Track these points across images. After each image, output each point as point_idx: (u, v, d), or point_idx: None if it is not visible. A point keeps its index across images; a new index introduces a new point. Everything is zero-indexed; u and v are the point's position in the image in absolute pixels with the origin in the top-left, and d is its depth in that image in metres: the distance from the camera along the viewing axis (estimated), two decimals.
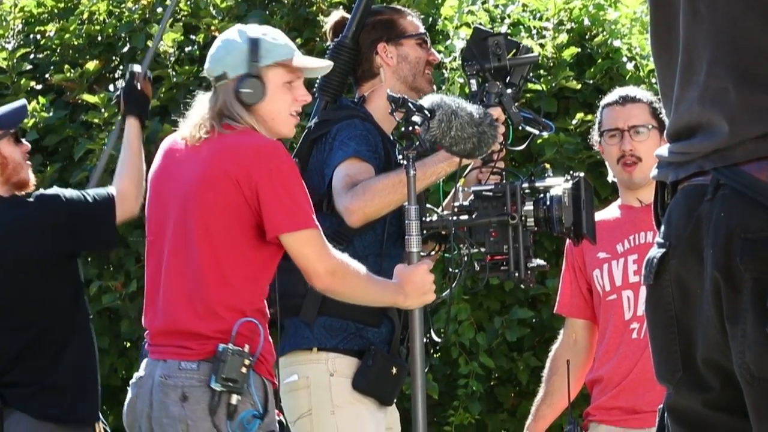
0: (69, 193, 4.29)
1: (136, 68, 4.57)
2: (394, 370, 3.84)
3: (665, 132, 2.48)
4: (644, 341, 4.04)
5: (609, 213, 4.26)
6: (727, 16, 2.32)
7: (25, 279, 4.21)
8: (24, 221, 4.23)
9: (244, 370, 3.30)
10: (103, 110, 5.70)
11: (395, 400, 3.94)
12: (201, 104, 3.49)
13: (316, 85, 4.03)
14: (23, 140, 4.37)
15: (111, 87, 6.12)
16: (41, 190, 4.39)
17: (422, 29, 4.05)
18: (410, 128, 3.41)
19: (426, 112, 3.42)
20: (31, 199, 4.27)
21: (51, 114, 5.89)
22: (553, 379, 4.21)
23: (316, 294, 3.71)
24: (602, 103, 4.26)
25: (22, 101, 4.53)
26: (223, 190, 3.35)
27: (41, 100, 5.85)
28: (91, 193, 4.31)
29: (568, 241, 3.86)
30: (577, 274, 4.22)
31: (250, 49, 3.44)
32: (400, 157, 3.86)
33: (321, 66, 3.62)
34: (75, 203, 4.23)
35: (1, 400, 4.16)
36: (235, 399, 3.31)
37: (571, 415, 4.13)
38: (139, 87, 4.50)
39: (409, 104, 3.43)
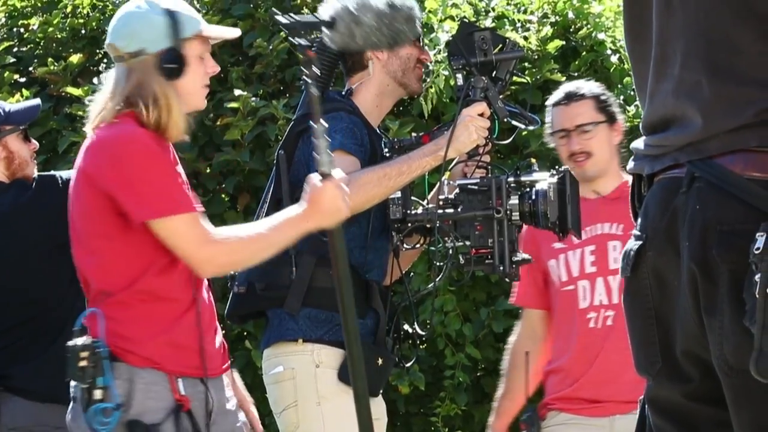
0: (66, 174, 4.31)
1: None
2: (380, 361, 3.85)
3: (641, 124, 2.50)
4: (603, 331, 4.07)
5: None
6: (699, 8, 2.34)
7: (34, 260, 4.25)
8: (30, 204, 4.28)
9: (82, 363, 3.23)
10: (87, 103, 5.69)
11: (381, 391, 3.96)
12: (105, 88, 3.38)
13: (302, 78, 4.04)
14: (32, 139, 4.42)
15: (95, 80, 6.12)
16: (39, 173, 4.42)
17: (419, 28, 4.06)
18: (304, 51, 3.33)
19: (323, 26, 3.36)
20: (33, 184, 4.32)
21: None
22: (513, 373, 4.22)
23: (300, 285, 3.72)
24: (549, 101, 4.29)
25: (36, 100, 4.56)
26: (83, 189, 3.31)
27: (25, 93, 5.84)
28: None
29: (523, 231, 3.87)
30: (532, 265, 4.21)
31: (170, 21, 3.28)
32: (386, 150, 3.88)
33: (230, 35, 3.48)
34: None
35: (1, 381, 4.18)
36: (98, 393, 3.23)
37: (528, 404, 4.15)
38: None
39: (303, 22, 3.39)
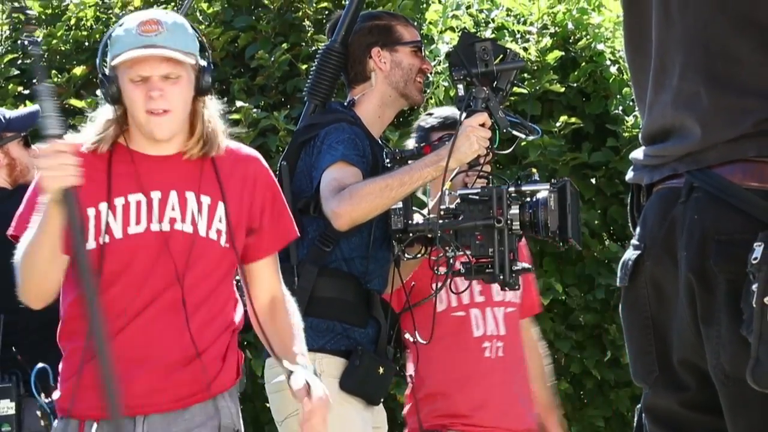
0: None
1: None
2: (381, 370, 3.88)
3: (640, 135, 2.52)
4: (499, 362, 4.09)
5: None
6: (698, 20, 2.37)
7: None
8: None
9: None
10: (90, 115, 5.72)
11: (382, 400, 3.98)
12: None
13: (305, 89, 4.07)
14: (33, 146, 4.43)
15: (98, 92, 6.14)
16: None
17: (418, 37, 4.09)
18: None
19: None
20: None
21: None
22: None
23: (302, 295, 3.74)
24: (425, 124, 4.18)
25: (36, 106, 4.57)
26: None
27: (29, 105, 5.87)
28: None
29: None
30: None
31: (103, 47, 3.20)
32: (388, 160, 3.91)
33: (150, 54, 3.11)
34: None
35: (25, 387, 4.19)
36: None
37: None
38: None
39: None
